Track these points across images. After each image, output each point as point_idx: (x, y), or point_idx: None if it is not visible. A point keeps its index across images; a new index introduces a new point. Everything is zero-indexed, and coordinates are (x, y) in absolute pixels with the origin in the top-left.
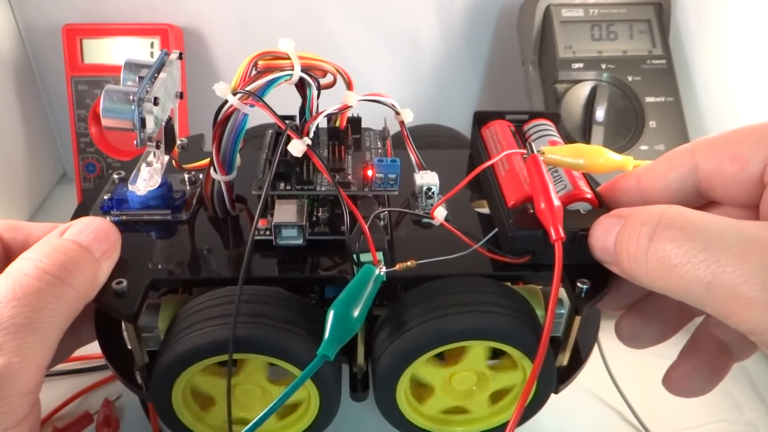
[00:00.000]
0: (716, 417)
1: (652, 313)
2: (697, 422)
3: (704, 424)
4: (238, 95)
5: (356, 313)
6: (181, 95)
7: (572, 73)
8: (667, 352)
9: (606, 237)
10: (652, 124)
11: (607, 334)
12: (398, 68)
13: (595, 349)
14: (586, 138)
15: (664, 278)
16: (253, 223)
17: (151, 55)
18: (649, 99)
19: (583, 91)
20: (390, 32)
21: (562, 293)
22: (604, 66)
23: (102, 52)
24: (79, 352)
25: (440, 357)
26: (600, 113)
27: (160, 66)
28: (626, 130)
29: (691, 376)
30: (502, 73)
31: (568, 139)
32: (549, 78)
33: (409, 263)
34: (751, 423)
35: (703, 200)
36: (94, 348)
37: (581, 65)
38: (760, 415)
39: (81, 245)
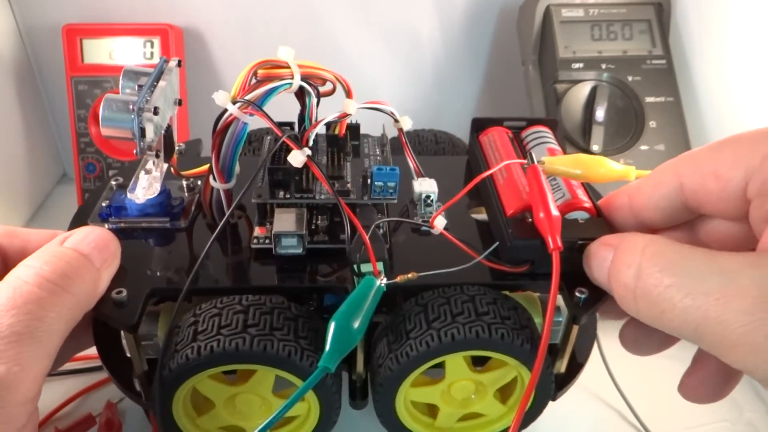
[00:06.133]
0: (716, 417)
1: None
2: (697, 422)
3: (704, 424)
4: (238, 104)
5: (357, 325)
6: (179, 102)
7: (572, 73)
8: (668, 352)
9: (600, 271)
10: (652, 124)
11: (607, 334)
12: (398, 68)
13: (596, 349)
14: (586, 138)
15: (657, 320)
16: (251, 231)
17: (151, 55)
18: (649, 99)
19: (583, 91)
20: (390, 32)
21: (560, 301)
22: (604, 66)
23: (102, 52)
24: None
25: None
26: (600, 113)
27: (160, 74)
28: (626, 130)
29: (706, 382)
30: (502, 73)
31: (569, 139)
32: (549, 78)
33: (410, 275)
34: (751, 423)
35: (693, 215)
36: (94, 348)
37: (581, 65)
38: (760, 415)
39: (82, 254)
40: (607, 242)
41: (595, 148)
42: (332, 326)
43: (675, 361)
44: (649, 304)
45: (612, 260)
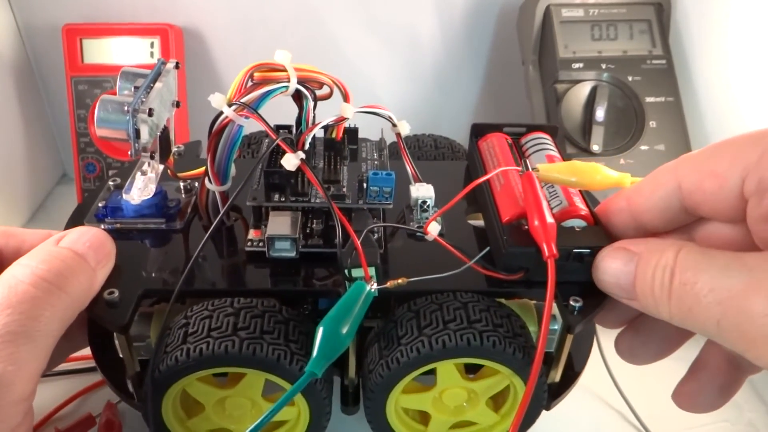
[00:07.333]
0: (716, 417)
1: (649, 330)
2: (697, 422)
3: (704, 424)
4: (234, 107)
5: (345, 330)
6: (177, 104)
7: (572, 73)
8: None
9: (619, 274)
10: (652, 124)
11: (608, 335)
12: (398, 68)
13: (596, 350)
14: (586, 138)
15: (685, 319)
16: (247, 233)
17: (151, 55)
18: (649, 99)
19: (583, 91)
20: (390, 32)
21: (555, 309)
22: (604, 66)
23: (102, 52)
24: (80, 351)
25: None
26: (600, 113)
27: (157, 75)
28: (626, 130)
29: (699, 392)
30: (502, 73)
31: (569, 139)
32: (549, 78)
33: (400, 281)
34: (751, 423)
35: (691, 217)
36: None
37: (581, 65)
38: (760, 415)
39: (77, 253)
40: (625, 246)
41: (595, 148)
42: (320, 331)
43: (676, 362)
44: (679, 303)
45: (640, 263)
